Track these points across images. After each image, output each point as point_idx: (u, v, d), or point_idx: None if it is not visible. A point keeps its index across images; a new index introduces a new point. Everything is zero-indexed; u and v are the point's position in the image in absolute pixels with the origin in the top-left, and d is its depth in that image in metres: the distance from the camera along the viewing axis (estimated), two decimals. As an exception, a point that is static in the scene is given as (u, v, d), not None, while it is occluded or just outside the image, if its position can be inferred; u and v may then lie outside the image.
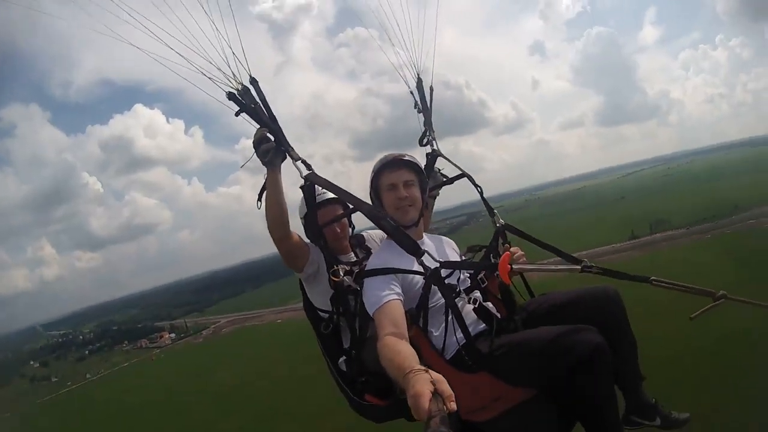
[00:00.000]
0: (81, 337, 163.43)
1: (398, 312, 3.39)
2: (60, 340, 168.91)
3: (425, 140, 4.91)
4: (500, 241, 4.12)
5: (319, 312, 4.39)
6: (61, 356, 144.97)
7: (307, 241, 4.42)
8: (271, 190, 3.99)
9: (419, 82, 5.12)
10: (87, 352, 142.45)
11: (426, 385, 2.25)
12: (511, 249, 3.91)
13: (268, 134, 3.99)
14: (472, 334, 3.55)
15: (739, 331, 36.93)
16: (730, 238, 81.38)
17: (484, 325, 3.71)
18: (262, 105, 4.09)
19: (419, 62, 5.06)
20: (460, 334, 3.48)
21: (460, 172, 4.70)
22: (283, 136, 4.03)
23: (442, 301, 3.57)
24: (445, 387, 2.24)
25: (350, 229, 4.65)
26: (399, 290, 3.55)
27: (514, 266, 3.62)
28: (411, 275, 3.63)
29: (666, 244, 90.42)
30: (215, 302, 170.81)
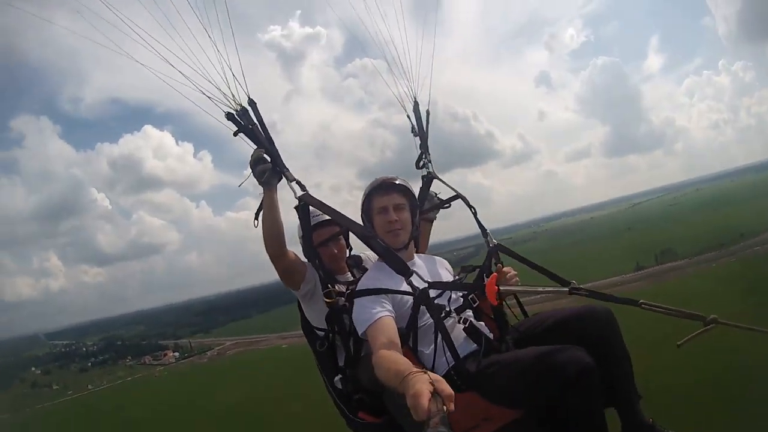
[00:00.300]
0: (84, 348, 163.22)
1: (391, 328, 3.49)
2: (63, 350, 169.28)
3: (421, 163, 5.12)
4: (493, 261, 4.20)
5: (316, 330, 4.54)
6: (64, 366, 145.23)
7: (305, 260, 4.51)
8: (268, 209, 4.23)
9: (416, 106, 5.32)
10: (90, 363, 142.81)
11: (425, 385, 2.31)
12: (504, 269, 4.04)
13: (265, 155, 4.20)
14: (463, 354, 3.61)
15: (739, 362, 37.30)
16: (737, 266, 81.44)
17: (475, 345, 3.71)
18: (259, 126, 4.31)
19: (416, 87, 5.26)
20: (449, 355, 3.55)
21: (455, 194, 4.89)
22: (279, 157, 4.25)
23: (432, 321, 3.64)
24: (445, 387, 2.30)
25: (348, 250, 4.81)
26: (390, 308, 3.64)
27: (501, 288, 3.76)
28: (401, 295, 3.71)
29: (672, 275, 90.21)
30: (221, 324, 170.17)
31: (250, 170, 4.22)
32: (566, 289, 3.63)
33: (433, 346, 3.60)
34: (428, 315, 3.66)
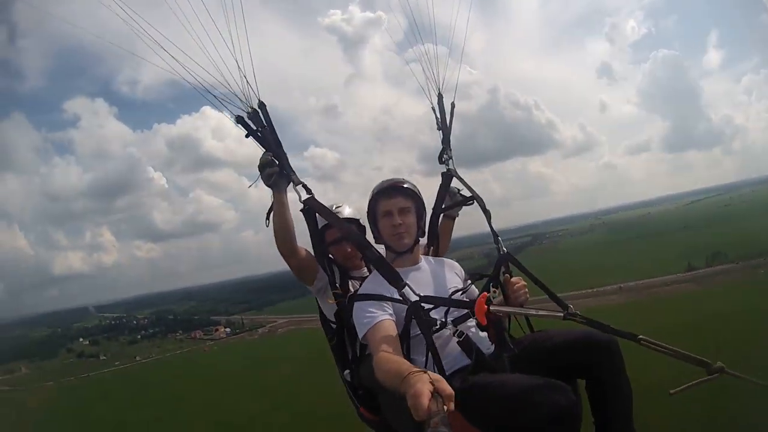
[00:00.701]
0: (135, 321, 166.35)
1: (391, 331, 3.51)
2: (113, 322, 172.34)
3: (444, 158, 4.98)
4: (502, 270, 4.11)
5: (330, 324, 4.50)
6: (112, 338, 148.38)
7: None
8: (277, 210, 4.25)
9: (440, 98, 5.19)
10: (139, 336, 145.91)
11: (426, 384, 2.31)
12: (512, 279, 4.01)
13: (273, 158, 4.19)
14: (455, 367, 3.55)
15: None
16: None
17: (468, 359, 3.57)
18: (268, 129, 4.32)
19: (440, 80, 5.11)
20: (437, 370, 3.35)
21: (473, 194, 4.79)
22: (287, 160, 4.26)
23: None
24: (445, 386, 2.30)
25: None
26: (392, 311, 3.65)
27: (491, 308, 3.56)
28: (399, 303, 3.66)
29: (721, 278, 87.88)
30: (274, 303, 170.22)
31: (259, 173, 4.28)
32: (561, 314, 3.51)
33: (424, 357, 3.53)
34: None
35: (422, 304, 3.61)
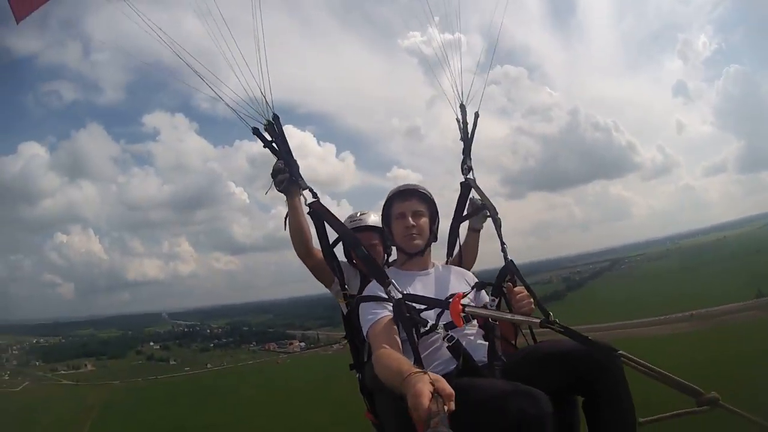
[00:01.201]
0: (209, 330, 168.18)
1: (392, 327, 3.54)
2: (186, 329, 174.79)
3: (465, 166, 4.98)
4: (507, 278, 4.13)
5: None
6: (184, 344, 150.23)
7: (342, 259, 4.75)
8: (291, 214, 4.49)
9: (463, 109, 5.21)
10: (212, 345, 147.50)
11: (426, 385, 2.33)
12: (515, 288, 4.00)
13: (283, 165, 4.42)
14: (443, 372, 3.40)
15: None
16: None
17: (455, 365, 3.57)
18: (281, 140, 4.55)
19: (462, 89, 5.20)
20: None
21: (486, 202, 4.72)
22: (297, 168, 4.49)
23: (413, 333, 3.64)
24: (445, 386, 2.33)
25: (385, 256, 4.99)
26: (392, 310, 3.71)
27: (467, 309, 3.61)
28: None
29: None
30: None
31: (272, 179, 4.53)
32: (537, 320, 3.56)
33: (411, 361, 3.39)
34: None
35: (414, 306, 3.62)
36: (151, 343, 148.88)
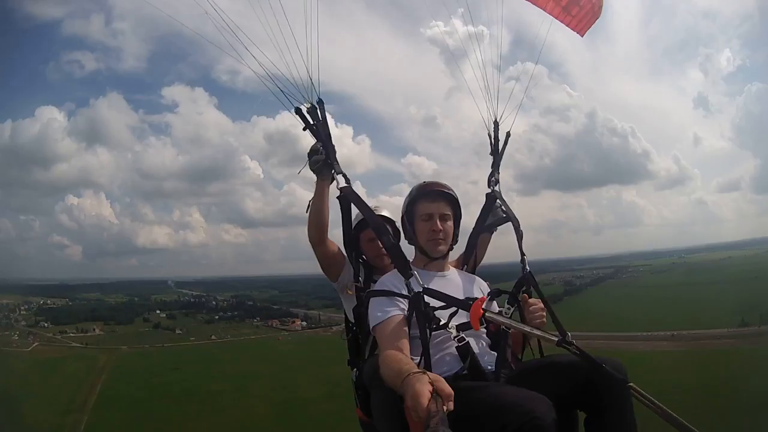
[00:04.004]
0: (214, 302, 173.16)
1: (400, 327, 3.83)
2: (192, 299, 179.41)
3: (493, 179, 5.51)
4: (523, 289, 4.43)
5: (349, 321, 5.12)
6: (190, 314, 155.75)
7: (346, 254, 5.15)
8: (317, 196, 4.91)
9: (496, 125, 5.81)
10: (217, 317, 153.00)
11: (425, 385, 2.58)
12: (530, 300, 4.28)
13: (321, 148, 4.85)
14: (449, 373, 3.76)
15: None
16: None
17: (461, 366, 3.83)
18: (323, 123, 4.98)
19: (496, 107, 5.77)
20: (424, 367, 3.53)
21: (509, 215, 5.17)
22: (334, 152, 4.93)
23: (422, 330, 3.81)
24: (444, 386, 2.59)
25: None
26: (404, 307, 3.97)
27: (486, 314, 3.86)
28: (407, 298, 4.00)
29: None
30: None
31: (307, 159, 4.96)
32: (555, 338, 3.72)
33: (419, 359, 3.74)
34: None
35: (429, 305, 3.89)
36: (158, 311, 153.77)
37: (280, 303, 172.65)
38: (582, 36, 6.61)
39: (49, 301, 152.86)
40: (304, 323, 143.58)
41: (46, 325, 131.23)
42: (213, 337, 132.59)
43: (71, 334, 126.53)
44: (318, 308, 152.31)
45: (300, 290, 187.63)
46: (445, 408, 2.40)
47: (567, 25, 6.45)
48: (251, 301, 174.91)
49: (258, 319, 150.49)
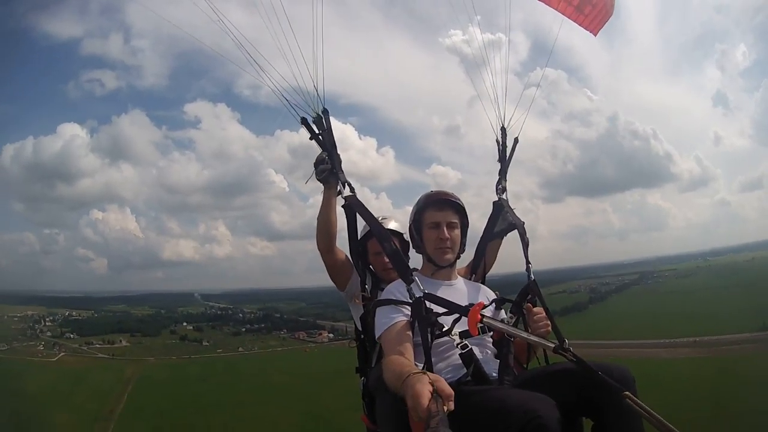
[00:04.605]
0: (241, 314, 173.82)
1: (404, 332, 3.97)
2: (219, 312, 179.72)
3: (500, 187, 5.59)
4: (528, 297, 4.49)
5: (357, 329, 5.20)
6: (217, 327, 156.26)
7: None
8: (325, 205, 5.06)
9: (503, 131, 5.87)
10: (244, 330, 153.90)
11: (425, 385, 2.63)
12: (534, 309, 4.38)
13: (326, 157, 5.03)
14: (452, 379, 3.77)
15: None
16: None
17: (464, 372, 3.89)
18: (328, 133, 5.11)
19: (504, 113, 5.82)
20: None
21: (516, 221, 5.22)
22: (339, 161, 5.05)
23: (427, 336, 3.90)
24: (444, 386, 2.64)
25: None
26: (408, 313, 4.12)
27: (484, 319, 3.99)
28: (410, 305, 4.12)
29: None
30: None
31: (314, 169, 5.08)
32: (552, 344, 3.85)
33: (422, 365, 3.80)
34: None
35: (432, 311, 3.98)
36: (185, 324, 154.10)
37: (307, 315, 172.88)
38: (595, 35, 6.79)
39: (74, 313, 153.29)
40: (331, 335, 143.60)
41: (71, 336, 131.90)
42: (240, 349, 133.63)
43: (97, 345, 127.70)
44: (345, 320, 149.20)
45: (327, 302, 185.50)
46: (445, 408, 2.47)
47: (580, 25, 6.60)
48: (278, 314, 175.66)
49: (285, 330, 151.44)
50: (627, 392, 3.34)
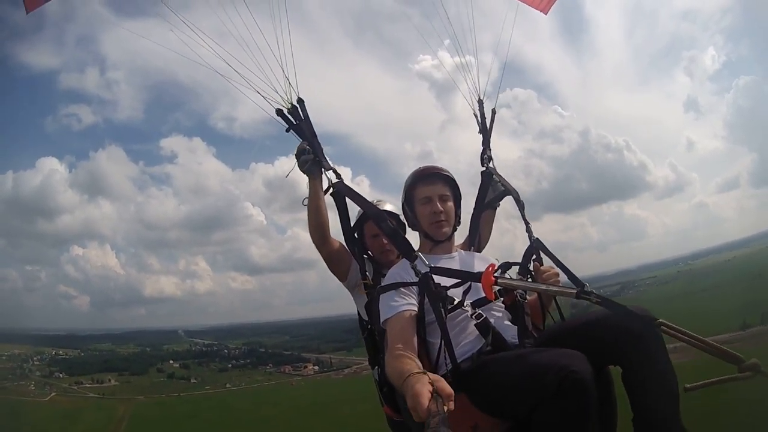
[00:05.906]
0: (226, 351, 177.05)
1: (408, 323, 3.89)
2: (204, 348, 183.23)
3: (484, 158, 5.68)
4: (533, 257, 4.61)
5: (362, 319, 5.29)
6: (203, 364, 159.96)
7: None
8: (312, 197, 5.05)
9: (480, 104, 6.01)
10: (230, 365, 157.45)
11: (425, 385, 2.63)
12: (542, 267, 4.48)
13: (308, 147, 5.04)
14: (472, 350, 3.87)
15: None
16: None
17: (483, 342, 3.87)
18: (305, 122, 5.16)
19: (480, 86, 5.96)
20: (448, 351, 3.72)
21: (508, 188, 5.39)
22: (321, 150, 5.06)
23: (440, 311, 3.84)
24: (444, 386, 2.63)
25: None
26: (413, 300, 4.06)
27: (499, 280, 3.95)
28: (416, 285, 4.10)
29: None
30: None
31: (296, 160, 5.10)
32: (574, 290, 3.80)
33: (439, 339, 3.85)
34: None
35: (440, 285, 3.97)
36: (171, 361, 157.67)
37: (291, 348, 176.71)
38: (546, 14, 6.72)
39: (61, 352, 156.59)
40: (317, 367, 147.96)
41: (60, 375, 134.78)
42: (228, 385, 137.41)
43: (87, 385, 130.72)
44: (329, 351, 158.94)
45: (310, 334, 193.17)
46: (445, 408, 2.50)
47: (530, 5, 6.58)
48: (263, 348, 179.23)
49: (270, 365, 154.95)
50: (661, 319, 3.48)
